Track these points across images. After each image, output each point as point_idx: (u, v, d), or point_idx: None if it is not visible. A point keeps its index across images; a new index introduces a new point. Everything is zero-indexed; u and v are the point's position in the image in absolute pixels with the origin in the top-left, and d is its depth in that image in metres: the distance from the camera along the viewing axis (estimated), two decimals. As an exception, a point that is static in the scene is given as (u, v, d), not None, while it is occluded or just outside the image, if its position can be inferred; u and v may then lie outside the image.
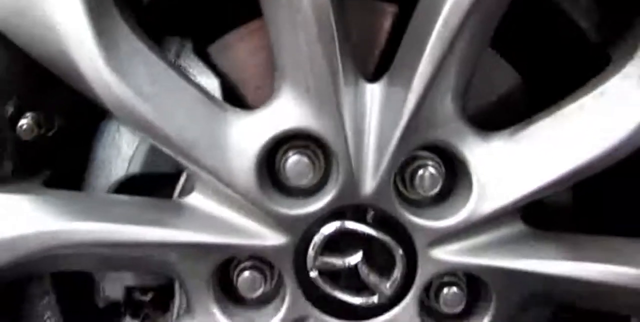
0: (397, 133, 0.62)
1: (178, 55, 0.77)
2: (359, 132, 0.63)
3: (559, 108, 0.65)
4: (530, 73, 0.82)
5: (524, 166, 0.63)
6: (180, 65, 0.75)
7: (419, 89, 0.61)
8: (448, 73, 0.61)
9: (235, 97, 0.82)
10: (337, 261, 0.64)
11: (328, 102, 0.62)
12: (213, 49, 0.82)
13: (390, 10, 0.75)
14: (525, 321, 0.82)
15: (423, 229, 0.64)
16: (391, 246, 0.64)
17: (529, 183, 0.63)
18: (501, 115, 0.73)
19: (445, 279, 0.68)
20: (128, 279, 0.77)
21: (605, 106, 0.62)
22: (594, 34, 0.72)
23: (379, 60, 0.75)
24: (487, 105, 0.81)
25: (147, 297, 0.81)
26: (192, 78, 0.75)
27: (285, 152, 0.65)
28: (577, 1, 0.72)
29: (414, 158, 0.66)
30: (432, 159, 0.66)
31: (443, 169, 0.66)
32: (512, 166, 0.64)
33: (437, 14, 0.60)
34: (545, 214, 0.80)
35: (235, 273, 0.67)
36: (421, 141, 0.63)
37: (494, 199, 0.63)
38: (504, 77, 0.79)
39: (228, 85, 0.82)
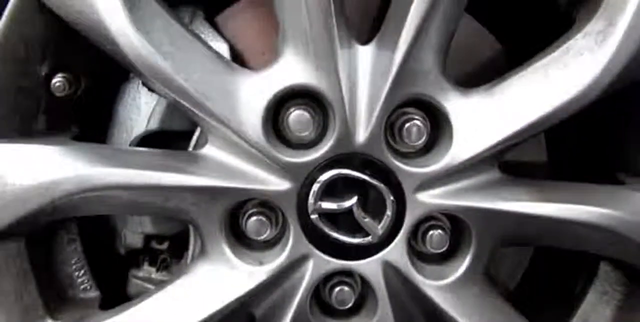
0: (386, 88, 0.70)
1: (191, 23, 0.84)
2: (353, 89, 0.70)
3: (529, 64, 0.72)
4: (510, 40, 0.89)
5: (497, 117, 0.71)
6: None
7: (404, 48, 0.68)
8: (430, 32, 0.69)
9: (242, 63, 0.90)
10: (334, 205, 0.72)
11: (325, 62, 0.69)
12: (220, 18, 0.91)
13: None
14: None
15: (410, 175, 0.72)
16: (382, 191, 0.71)
17: (502, 131, 0.70)
18: (483, 81, 0.78)
19: (431, 222, 0.75)
20: (147, 226, 0.84)
21: (568, 61, 0.69)
22: None
23: (374, 25, 0.83)
24: (470, 71, 0.89)
25: (164, 246, 0.89)
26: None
27: (288, 108, 0.73)
28: None
29: (403, 113, 0.73)
30: (418, 114, 0.73)
31: (429, 122, 0.73)
32: (487, 117, 0.71)
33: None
34: (524, 173, 0.88)
35: (245, 218, 0.75)
36: (407, 95, 0.71)
37: (471, 146, 0.71)
38: (485, 45, 0.87)
39: (235, 53, 0.90)
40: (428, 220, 0.75)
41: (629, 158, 0.81)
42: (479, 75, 0.85)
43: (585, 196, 0.73)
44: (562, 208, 0.70)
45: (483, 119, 0.71)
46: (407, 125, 0.71)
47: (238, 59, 0.87)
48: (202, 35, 0.84)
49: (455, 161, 0.70)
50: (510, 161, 0.80)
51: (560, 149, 0.91)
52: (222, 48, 0.82)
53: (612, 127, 0.84)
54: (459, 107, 0.71)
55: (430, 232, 0.74)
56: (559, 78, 0.69)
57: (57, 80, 0.76)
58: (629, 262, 0.77)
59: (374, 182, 0.71)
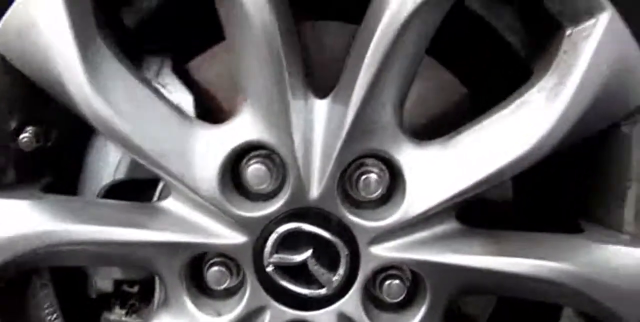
0: (339, 143, 0.71)
1: (158, 74, 0.86)
2: (307, 144, 0.72)
3: (486, 117, 0.73)
4: (475, 86, 0.90)
5: (452, 170, 0.72)
6: (159, 83, 0.86)
7: (357, 103, 0.69)
8: (384, 87, 0.69)
9: (217, 110, 0.92)
10: (289, 258, 0.73)
11: (278, 117, 0.71)
12: (193, 65, 0.93)
13: (349, 30, 0.83)
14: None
15: (364, 228, 0.73)
16: (337, 244, 0.72)
17: (456, 185, 0.71)
18: (449, 126, 0.79)
19: (390, 271, 0.76)
20: (117, 273, 0.87)
21: (522, 115, 0.70)
22: (521, 48, 0.81)
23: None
24: (436, 116, 0.91)
25: (134, 290, 0.91)
26: (170, 94, 0.86)
27: (248, 161, 0.75)
28: (501, 17, 0.79)
29: (360, 166, 0.74)
30: (376, 166, 0.74)
31: (385, 175, 0.74)
32: (442, 170, 0.72)
33: (372, 32, 0.69)
34: (489, 211, 0.89)
35: (206, 268, 0.77)
36: (361, 150, 0.72)
37: (425, 200, 0.71)
38: (450, 90, 0.88)
39: (209, 99, 0.92)
40: (387, 269, 0.76)
41: (589, 205, 0.81)
42: (445, 120, 0.86)
43: (538, 248, 0.73)
44: (512, 262, 0.71)
45: (438, 172, 0.71)
46: (363, 178, 0.73)
47: (213, 105, 0.90)
48: (168, 87, 0.87)
49: (409, 215, 0.71)
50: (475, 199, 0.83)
51: (526, 189, 0.92)
52: (187, 100, 0.85)
53: (575, 173, 0.85)
54: (414, 160, 0.72)
55: (388, 282, 0.74)
56: (513, 132, 0.70)
57: (26, 134, 0.78)
58: (585, 312, 0.79)
59: (328, 236, 0.72)
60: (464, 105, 0.90)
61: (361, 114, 0.70)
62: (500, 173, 0.69)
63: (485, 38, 0.84)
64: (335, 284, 0.73)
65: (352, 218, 0.73)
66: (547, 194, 0.90)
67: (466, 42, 0.87)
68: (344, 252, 0.72)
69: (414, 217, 0.71)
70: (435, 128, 0.81)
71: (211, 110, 0.90)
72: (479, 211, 0.85)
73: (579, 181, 0.82)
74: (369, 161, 0.74)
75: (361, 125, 0.70)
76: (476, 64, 0.87)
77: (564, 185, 0.87)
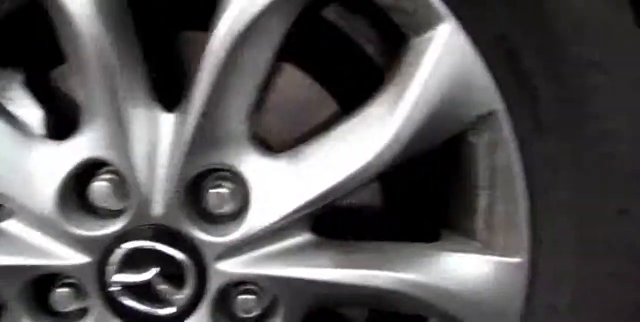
0: (182, 158, 0.69)
1: (4, 89, 0.83)
2: (151, 159, 0.69)
3: (333, 129, 0.71)
4: (344, 98, 0.90)
5: (296, 183, 0.70)
6: (5, 98, 0.82)
7: (197, 115, 0.67)
8: (226, 98, 0.67)
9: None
10: (135, 277, 0.70)
11: (117, 134, 0.68)
12: (58, 73, 0.89)
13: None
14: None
15: (210, 244, 0.71)
16: (183, 261, 0.70)
17: (300, 198, 0.69)
18: None
19: (246, 286, 0.74)
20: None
21: (364, 129, 0.68)
22: (379, 60, 0.81)
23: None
24: (307, 133, 0.90)
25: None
26: (18, 109, 0.82)
27: (94, 178, 0.71)
28: (358, 28, 0.79)
29: (212, 179, 0.72)
30: (227, 180, 0.72)
31: (237, 189, 0.71)
32: (287, 182, 0.70)
33: (210, 41, 0.66)
34: (357, 218, 0.89)
35: (52, 290, 0.74)
36: (206, 164, 0.69)
37: (270, 214, 0.70)
38: (321, 106, 0.86)
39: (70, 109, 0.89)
40: (243, 284, 0.74)
41: (447, 213, 0.81)
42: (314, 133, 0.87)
43: (390, 258, 0.72)
44: (361, 275, 0.70)
45: (283, 185, 0.70)
46: (212, 192, 0.71)
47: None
48: (17, 101, 0.84)
49: (254, 229, 0.70)
50: (343, 206, 0.79)
51: (396, 196, 0.92)
52: (36, 115, 0.82)
53: (435, 182, 0.86)
54: (261, 173, 0.70)
55: (243, 297, 0.73)
56: (355, 145, 0.68)
57: None
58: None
59: (174, 253, 0.70)
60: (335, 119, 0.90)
61: (203, 126, 0.68)
62: (342, 186, 0.68)
63: (348, 50, 0.84)
64: (183, 303, 0.71)
65: (199, 234, 0.71)
66: (416, 201, 0.91)
67: (333, 54, 0.86)
68: (190, 269, 0.70)
69: (259, 232, 0.70)
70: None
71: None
72: (346, 221, 0.86)
73: (437, 189, 0.83)
74: (221, 174, 0.72)
75: (203, 138, 0.68)
76: (344, 76, 0.86)
77: (428, 192, 0.89)
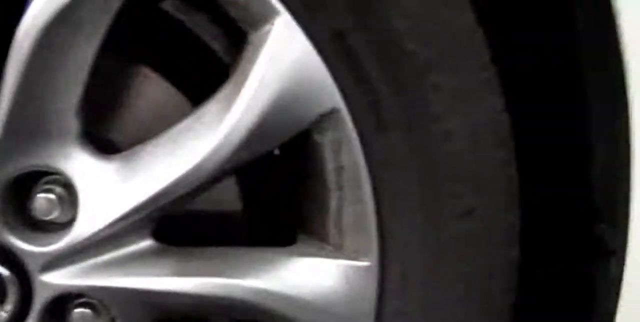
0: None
1: None
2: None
3: (168, 130, 0.67)
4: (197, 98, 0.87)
5: (127, 186, 0.66)
6: None
7: (4, 114, 0.62)
8: (38, 98, 0.62)
9: None
10: (-50, 292, 0.68)
11: None
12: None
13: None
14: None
15: (33, 255, 0.66)
16: (2, 274, 0.65)
17: (130, 202, 0.65)
18: None
19: (83, 299, 0.68)
20: None
21: (198, 128, 0.65)
22: (224, 56, 0.77)
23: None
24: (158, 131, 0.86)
25: None
26: None
27: None
28: (200, 22, 0.76)
29: (39, 183, 0.67)
30: (54, 183, 0.67)
31: (65, 193, 0.67)
32: (118, 186, 0.66)
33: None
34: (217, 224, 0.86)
35: None
36: (22, 166, 0.64)
37: (98, 220, 0.65)
38: (173, 105, 0.83)
39: None
40: (80, 296, 0.68)
41: (302, 215, 0.78)
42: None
43: (234, 264, 0.69)
44: (200, 283, 0.66)
45: (114, 188, 0.66)
46: (36, 198, 0.66)
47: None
48: None
49: (82, 237, 0.65)
50: (201, 212, 0.77)
51: (255, 197, 0.90)
52: None
53: (291, 183, 0.85)
54: (90, 176, 0.66)
55: (78, 311, 0.68)
56: (186, 146, 0.65)
57: None
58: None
59: (-8, 265, 0.69)
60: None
61: (12, 124, 0.63)
62: (173, 189, 0.64)
63: (195, 46, 0.81)
64: (7, 317, 0.66)
65: (20, 244, 0.66)
66: (275, 204, 0.89)
67: (181, 51, 0.83)
68: (12, 282, 0.65)
69: (88, 239, 0.65)
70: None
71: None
72: (207, 224, 0.83)
73: (293, 191, 0.81)
74: (51, 178, 0.67)
75: (14, 139, 0.63)
76: (193, 75, 0.83)
77: (287, 194, 0.87)
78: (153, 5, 0.74)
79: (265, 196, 0.88)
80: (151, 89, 0.79)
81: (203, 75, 0.79)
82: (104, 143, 0.75)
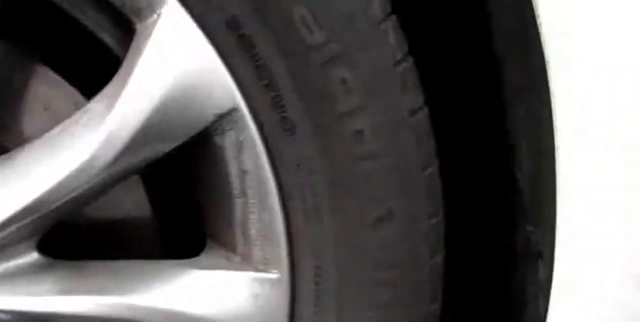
0: None
1: None
2: None
3: (52, 129, 0.60)
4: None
5: (6, 193, 0.59)
6: None
7: None
8: None
9: None
10: None
11: None
12: None
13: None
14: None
15: None
16: None
17: (5, 211, 0.58)
18: None
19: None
20: None
21: (83, 127, 0.58)
22: (117, 49, 0.70)
23: None
24: (46, 125, 0.80)
25: None
26: None
27: None
28: (86, 12, 0.67)
29: None
30: None
31: None
32: None
33: None
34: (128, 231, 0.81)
35: None
36: None
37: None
38: (62, 98, 0.78)
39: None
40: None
41: (209, 224, 0.74)
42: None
43: (125, 280, 0.62)
44: (87, 301, 0.59)
45: None
46: None
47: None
48: None
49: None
50: (110, 220, 0.73)
51: (165, 206, 0.84)
52: None
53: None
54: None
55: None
56: (65, 147, 0.58)
57: None
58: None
59: None
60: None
61: None
62: (51, 195, 0.58)
63: (87, 40, 0.75)
64: None
65: None
66: (185, 213, 0.83)
67: (72, 46, 0.77)
68: None
69: None
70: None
71: None
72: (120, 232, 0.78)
73: (197, 199, 0.76)
74: None
75: None
76: (87, 71, 0.77)
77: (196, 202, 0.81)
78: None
79: (174, 203, 0.83)
80: (43, 84, 0.75)
81: (96, 70, 0.74)
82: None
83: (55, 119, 0.72)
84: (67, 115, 0.69)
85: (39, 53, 0.74)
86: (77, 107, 0.73)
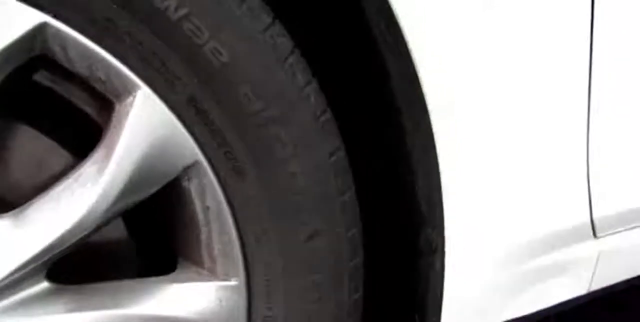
0: None
1: None
2: None
3: (51, 189, 0.77)
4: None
5: (21, 242, 0.75)
6: None
7: None
8: None
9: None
10: None
11: None
12: None
13: None
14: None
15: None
16: None
17: (21, 256, 0.74)
18: None
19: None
20: None
21: (75, 188, 0.75)
22: (99, 120, 0.86)
23: None
24: (40, 184, 0.86)
25: None
26: None
27: None
28: (70, 89, 0.79)
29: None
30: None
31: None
32: (13, 240, 0.74)
33: None
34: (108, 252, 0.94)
35: None
36: None
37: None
38: (55, 158, 0.87)
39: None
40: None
41: (185, 246, 0.88)
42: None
43: (121, 296, 0.80)
44: (91, 317, 0.77)
45: (9, 242, 0.74)
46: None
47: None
48: None
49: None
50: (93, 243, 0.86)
51: (141, 232, 0.99)
52: None
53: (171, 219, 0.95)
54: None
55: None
56: (68, 204, 0.75)
57: None
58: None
59: None
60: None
61: None
62: (61, 241, 0.74)
63: (72, 110, 0.87)
64: None
65: None
66: (161, 236, 0.98)
67: (60, 113, 0.88)
68: None
69: None
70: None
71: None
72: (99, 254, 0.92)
73: (169, 227, 0.91)
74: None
75: None
76: (74, 133, 0.87)
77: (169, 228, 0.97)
78: (27, 77, 0.82)
79: (150, 230, 0.98)
80: (38, 148, 0.85)
81: (82, 134, 0.87)
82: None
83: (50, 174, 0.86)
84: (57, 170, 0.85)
85: (32, 122, 0.88)
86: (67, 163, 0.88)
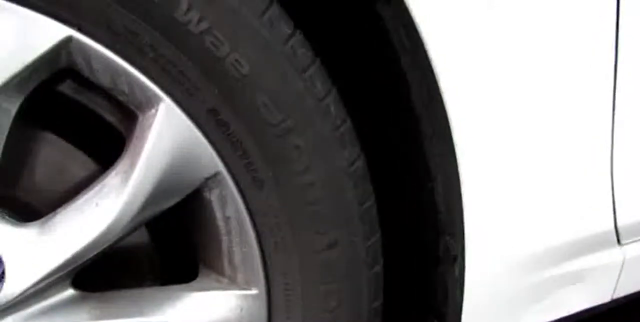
0: None
1: None
2: None
3: (77, 198, 0.78)
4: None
5: (48, 248, 0.76)
6: None
7: None
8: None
9: None
10: None
11: None
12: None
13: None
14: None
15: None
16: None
17: (49, 265, 0.76)
18: None
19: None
20: None
21: (102, 197, 0.77)
22: (123, 129, 0.88)
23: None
24: (63, 191, 0.88)
25: None
26: None
27: None
28: (94, 99, 0.80)
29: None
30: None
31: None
32: (40, 248, 0.76)
33: None
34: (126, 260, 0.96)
35: None
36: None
37: (22, 283, 0.76)
38: (76, 165, 0.89)
39: None
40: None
41: (205, 255, 0.88)
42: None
43: (144, 304, 0.82)
44: None
45: (36, 250, 0.76)
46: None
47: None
48: None
49: (6, 299, 0.74)
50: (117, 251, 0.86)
51: (164, 241, 1.00)
52: None
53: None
54: (13, 241, 0.76)
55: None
56: (94, 214, 0.76)
57: None
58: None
59: None
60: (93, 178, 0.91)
61: None
62: (87, 250, 0.76)
63: (95, 120, 0.88)
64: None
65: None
66: (183, 246, 0.99)
67: (85, 122, 0.89)
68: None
69: (13, 299, 0.75)
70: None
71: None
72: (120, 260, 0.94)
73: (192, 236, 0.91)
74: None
75: None
76: (99, 142, 0.89)
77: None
78: (51, 88, 0.83)
79: (173, 239, 1.00)
80: (64, 156, 0.87)
81: (107, 143, 0.89)
82: (24, 207, 0.85)
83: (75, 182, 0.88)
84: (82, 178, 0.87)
85: (58, 130, 0.89)
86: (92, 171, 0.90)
